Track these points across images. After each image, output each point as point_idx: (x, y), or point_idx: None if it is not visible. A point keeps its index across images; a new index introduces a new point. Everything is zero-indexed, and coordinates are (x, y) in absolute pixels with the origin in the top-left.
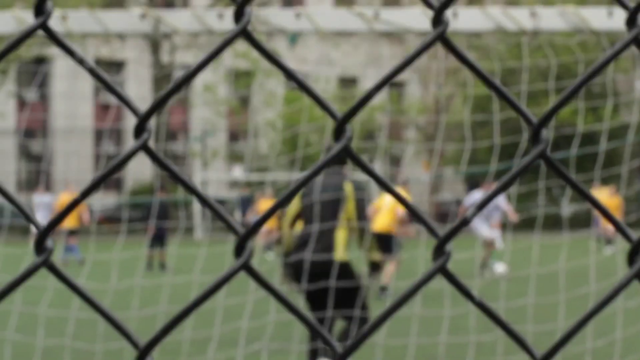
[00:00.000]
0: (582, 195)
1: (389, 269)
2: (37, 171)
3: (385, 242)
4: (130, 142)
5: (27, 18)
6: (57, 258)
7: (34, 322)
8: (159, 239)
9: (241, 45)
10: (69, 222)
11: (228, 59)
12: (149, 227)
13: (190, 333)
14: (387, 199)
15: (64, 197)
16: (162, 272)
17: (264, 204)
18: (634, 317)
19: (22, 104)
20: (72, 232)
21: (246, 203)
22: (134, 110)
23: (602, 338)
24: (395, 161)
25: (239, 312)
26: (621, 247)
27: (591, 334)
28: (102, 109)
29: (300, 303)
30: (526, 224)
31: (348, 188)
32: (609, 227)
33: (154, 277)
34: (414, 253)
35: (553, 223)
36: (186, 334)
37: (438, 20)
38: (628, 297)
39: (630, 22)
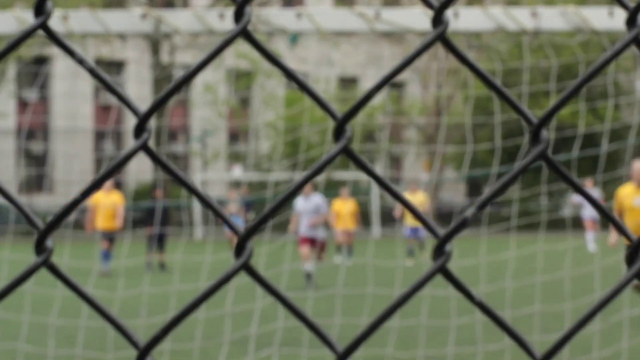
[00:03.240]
0: (583, 195)
1: None
2: (37, 172)
3: None
4: (130, 143)
5: (27, 18)
6: (103, 268)
7: (44, 332)
8: (158, 241)
9: (242, 45)
10: (108, 224)
11: (229, 59)
12: (148, 230)
13: (199, 342)
14: None
15: (97, 196)
16: (162, 272)
17: (338, 204)
18: None
19: (22, 104)
20: (106, 236)
21: (247, 205)
22: (134, 110)
23: (609, 347)
24: (395, 161)
25: (248, 318)
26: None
27: (597, 343)
28: (103, 110)
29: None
30: (529, 227)
31: None
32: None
33: (158, 283)
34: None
35: (555, 225)
36: (196, 343)
37: (438, 20)
38: (634, 305)
39: (630, 22)
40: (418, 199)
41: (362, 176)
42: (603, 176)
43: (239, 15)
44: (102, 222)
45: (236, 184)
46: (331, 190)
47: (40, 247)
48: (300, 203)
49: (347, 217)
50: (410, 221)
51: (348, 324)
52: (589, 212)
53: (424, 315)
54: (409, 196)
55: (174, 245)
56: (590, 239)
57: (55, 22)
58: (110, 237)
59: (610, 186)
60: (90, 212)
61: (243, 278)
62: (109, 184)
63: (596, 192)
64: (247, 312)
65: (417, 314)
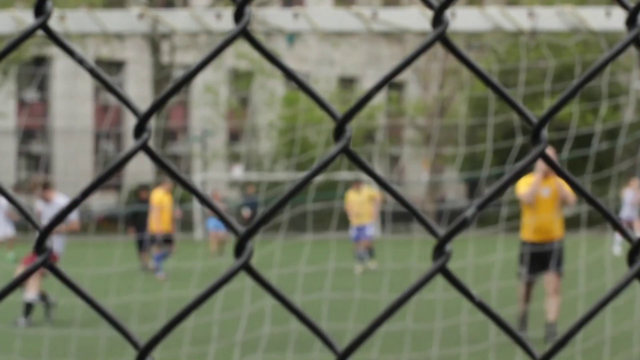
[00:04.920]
0: (581, 194)
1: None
2: (36, 171)
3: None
4: (130, 143)
5: (27, 18)
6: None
7: (39, 343)
8: (145, 244)
9: (242, 45)
10: (166, 227)
11: (229, 59)
12: (131, 232)
13: (187, 348)
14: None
15: (157, 195)
16: (144, 273)
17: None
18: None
19: (22, 104)
20: (167, 240)
21: (252, 204)
22: (134, 110)
23: (592, 338)
24: (394, 161)
25: (235, 323)
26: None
27: (609, 349)
28: (102, 110)
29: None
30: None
31: None
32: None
33: (152, 286)
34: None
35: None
36: (184, 349)
37: (438, 20)
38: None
39: (630, 22)
40: (363, 196)
41: (363, 176)
42: (593, 176)
43: (238, 15)
44: (164, 223)
45: (243, 185)
46: (328, 192)
47: (40, 247)
48: (41, 209)
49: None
50: (355, 220)
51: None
52: (626, 213)
53: (410, 319)
54: (354, 196)
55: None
56: (618, 240)
57: (52, 22)
58: (169, 238)
59: (604, 185)
60: (156, 212)
61: (231, 283)
62: (170, 183)
63: None
64: (234, 318)
65: (403, 317)
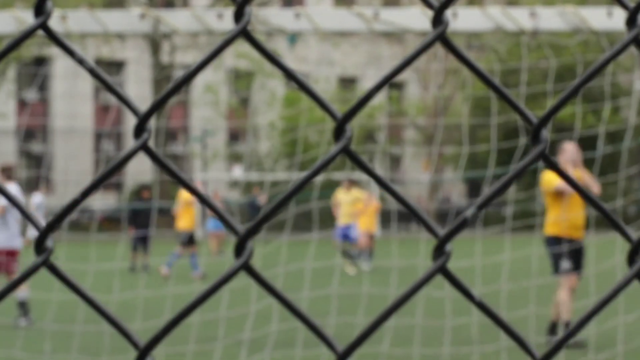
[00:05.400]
0: (581, 194)
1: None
2: (37, 171)
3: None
4: (130, 143)
5: (27, 18)
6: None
7: (40, 337)
8: (142, 243)
9: (242, 45)
10: (192, 225)
11: (229, 59)
12: (130, 231)
13: (193, 346)
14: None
15: (186, 193)
16: (145, 273)
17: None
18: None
19: (22, 104)
20: (191, 240)
21: (255, 205)
22: (134, 110)
23: (605, 351)
24: (395, 161)
25: (242, 320)
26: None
27: (593, 347)
28: (102, 110)
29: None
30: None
31: None
32: None
33: (153, 285)
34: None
35: None
36: (190, 347)
37: (438, 20)
38: (629, 311)
39: (630, 22)
40: (351, 196)
41: (362, 175)
42: (597, 179)
43: (238, 15)
44: (191, 221)
45: (245, 186)
46: (330, 190)
47: (40, 247)
48: None
49: (370, 217)
50: (340, 220)
51: (343, 323)
52: None
53: (420, 316)
54: (343, 195)
55: (171, 246)
56: None
57: (53, 22)
58: (192, 239)
59: (609, 188)
60: (184, 210)
61: (237, 281)
62: (199, 183)
63: None
64: (241, 315)
65: (412, 313)
